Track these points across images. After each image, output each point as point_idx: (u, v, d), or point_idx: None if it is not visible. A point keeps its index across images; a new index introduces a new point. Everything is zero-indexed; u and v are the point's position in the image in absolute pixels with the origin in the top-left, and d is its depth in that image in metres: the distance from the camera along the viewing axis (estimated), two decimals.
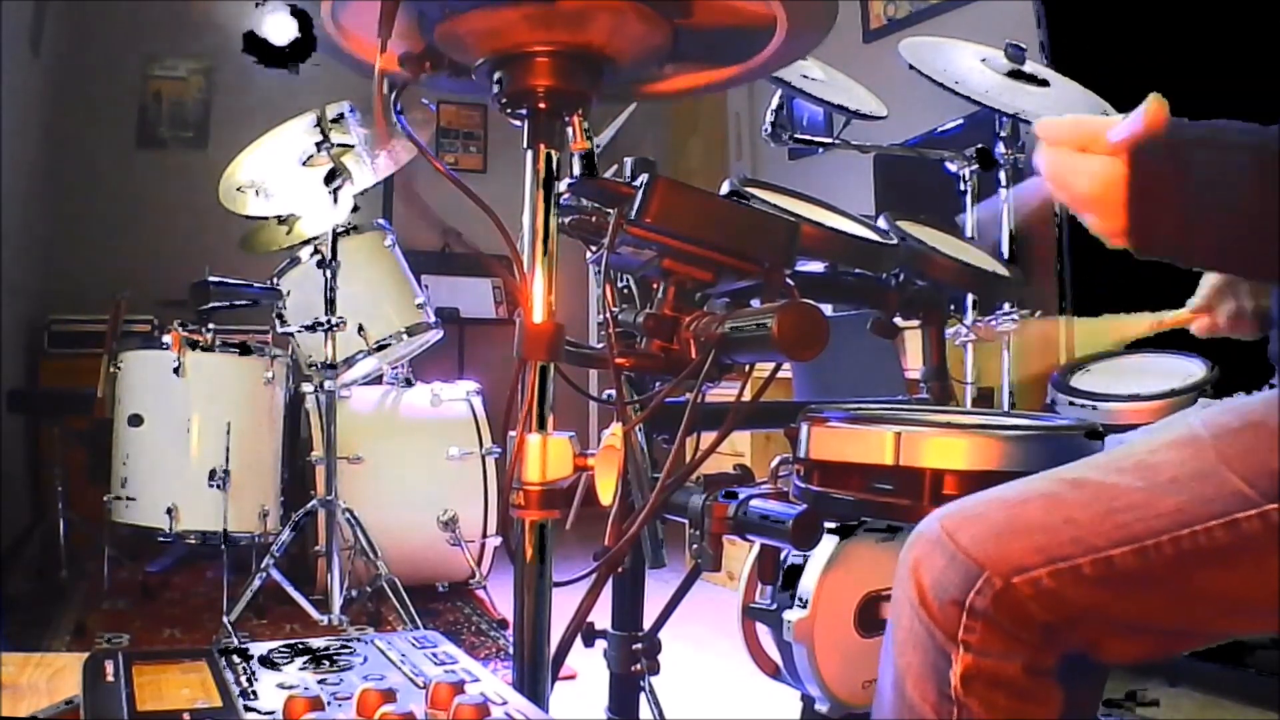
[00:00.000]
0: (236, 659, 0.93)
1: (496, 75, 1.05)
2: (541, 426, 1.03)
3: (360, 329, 2.86)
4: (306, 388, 3.09)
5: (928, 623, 0.84)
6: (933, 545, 0.86)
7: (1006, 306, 2.16)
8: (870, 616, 1.30)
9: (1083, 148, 0.79)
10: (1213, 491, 0.80)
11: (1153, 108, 0.77)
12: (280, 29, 4.19)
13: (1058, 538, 0.82)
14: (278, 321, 2.91)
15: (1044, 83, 2.13)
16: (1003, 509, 0.86)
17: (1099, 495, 0.84)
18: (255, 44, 3.68)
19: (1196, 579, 0.81)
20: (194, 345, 2.75)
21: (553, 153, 1.06)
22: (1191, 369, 1.96)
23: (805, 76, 2.05)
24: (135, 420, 2.75)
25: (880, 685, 0.91)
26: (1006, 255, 2.22)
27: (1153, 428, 1.00)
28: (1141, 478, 0.84)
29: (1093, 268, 2.59)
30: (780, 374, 1.16)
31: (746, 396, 1.13)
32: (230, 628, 2.48)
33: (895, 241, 1.58)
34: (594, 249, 1.18)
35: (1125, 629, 0.84)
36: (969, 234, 2.29)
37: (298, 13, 3.19)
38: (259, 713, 0.80)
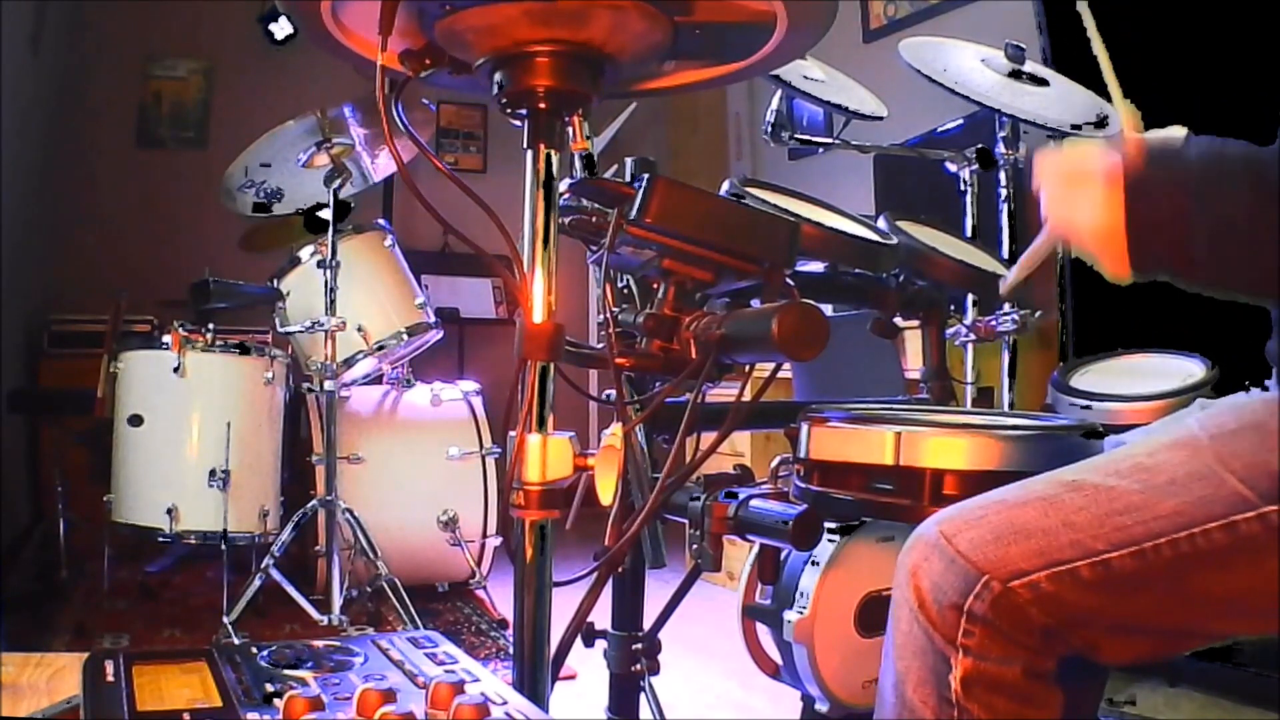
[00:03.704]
0: (237, 659, 0.93)
1: (497, 75, 1.05)
2: (541, 426, 1.03)
3: (360, 329, 2.86)
4: (307, 388, 3.09)
5: (926, 627, 0.84)
6: (931, 549, 0.86)
7: (1006, 306, 2.16)
8: (870, 616, 1.30)
9: (1077, 180, 0.83)
10: (1211, 493, 0.80)
11: (1126, 121, 0.83)
12: (280, 27, 4.39)
13: (1056, 541, 0.82)
14: (278, 322, 2.90)
15: (1044, 82, 2.13)
16: (1001, 512, 0.86)
17: (1097, 498, 0.84)
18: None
19: (1195, 581, 0.81)
20: (194, 345, 2.75)
21: (553, 153, 1.06)
22: (1191, 369, 1.95)
23: (805, 77, 2.05)
24: (135, 420, 2.74)
25: (881, 687, 0.91)
26: (1006, 255, 2.21)
27: (1150, 428, 1.00)
28: (1139, 480, 0.84)
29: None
30: (780, 374, 1.16)
31: (746, 396, 1.14)
32: (230, 628, 2.47)
33: (895, 241, 1.58)
34: (594, 249, 1.18)
35: (1124, 631, 0.84)
36: (968, 234, 2.29)
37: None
38: (259, 713, 0.80)
